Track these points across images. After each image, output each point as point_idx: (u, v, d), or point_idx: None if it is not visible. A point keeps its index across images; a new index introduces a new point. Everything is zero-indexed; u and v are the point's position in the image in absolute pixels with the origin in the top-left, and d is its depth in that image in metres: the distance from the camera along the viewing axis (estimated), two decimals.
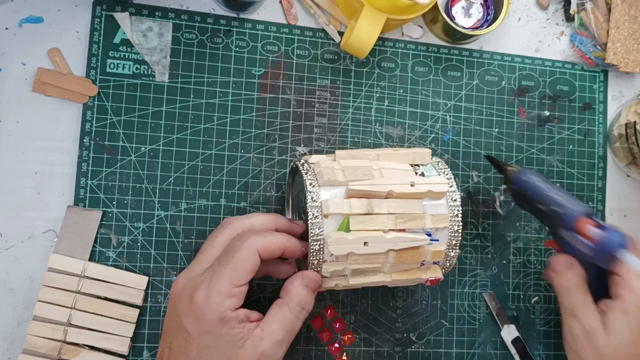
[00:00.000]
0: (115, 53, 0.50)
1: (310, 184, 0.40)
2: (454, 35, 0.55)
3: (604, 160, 0.60)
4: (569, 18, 0.60)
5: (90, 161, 0.49)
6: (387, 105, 0.55)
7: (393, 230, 0.40)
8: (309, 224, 0.39)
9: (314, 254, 0.40)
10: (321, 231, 0.39)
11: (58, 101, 0.49)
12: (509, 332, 0.55)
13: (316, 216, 0.39)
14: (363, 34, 0.49)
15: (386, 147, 0.54)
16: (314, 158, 0.43)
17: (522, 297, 0.57)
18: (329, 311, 0.52)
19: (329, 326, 0.52)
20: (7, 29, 0.48)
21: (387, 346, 0.53)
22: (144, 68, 0.50)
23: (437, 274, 0.44)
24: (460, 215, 0.42)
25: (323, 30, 0.54)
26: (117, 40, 0.50)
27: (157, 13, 0.51)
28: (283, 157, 0.52)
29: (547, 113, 0.59)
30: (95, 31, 0.49)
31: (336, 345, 0.52)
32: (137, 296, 0.48)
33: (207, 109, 0.51)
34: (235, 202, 0.51)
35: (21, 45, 0.48)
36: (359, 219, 0.40)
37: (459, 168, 0.56)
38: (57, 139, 0.49)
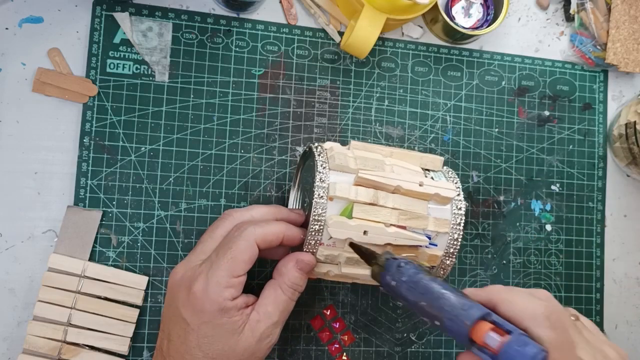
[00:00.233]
0: (115, 53, 0.50)
1: (322, 165, 0.41)
2: (454, 35, 0.55)
3: (604, 160, 0.60)
4: (569, 18, 0.60)
5: (90, 161, 0.49)
6: (387, 105, 0.55)
7: (394, 225, 0.40)
8: (313, 203, 0.39)
9: (313, 234, 0.40)
10: (324, 212, 0.39)
11: (58, 101, 0.49)
12: None
13: (321, 196, 0.40)
14: (363, 34, 0.49)
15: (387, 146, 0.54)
16: (328, 144, 0.43)
17: None
18: (329, 311, 0.52)
19: (329, 326, 0.52)
20: (7, 29, 0.48)
21: (387, 346, 0.53)
22: (144, 68, 0.50)
23: None
24: (462, 225, 0.42)
25: (323, 30, 0.54)
26: (117, 40, 0.50)
27: (157, 13, 0.51)
28: (283, 157, 0.52)
29: (547, 113, 0.59)
30: (95, 31, 0.49)
31: (336, 345, 0.52)
32: (137, 296, 0.48)
33: (207, 109, 0.51)
34: (235, 202, 0.51)
35: (21, 45, 0.48)
36: (362, 208, 0.40)
37: (459, 168, 0.56)
38: (57, 139, 0.49)
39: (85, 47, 0.49)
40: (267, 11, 0.53)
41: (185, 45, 0.51)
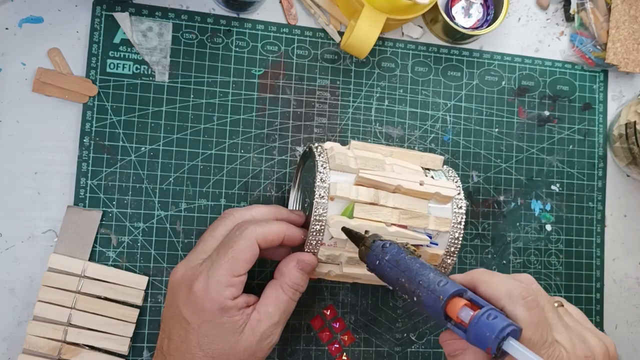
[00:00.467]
0: (115, 53, 0.50)
1: (322, 165, 0.41)
2: (454, 35, 0.55)
3: (604, 160, 0.60)
4: (569, 18, 0.60)
5: (90, 161, 0.49)
6: (387, 105, 0.55)
7: (395, 224, 0.40)
8: (314, 204, 0.39)
9: (314, 234, 0.40)
10: (324, 212, 0.40)
11: (58, 101, 0.49)
12: None
13: (322, 197, 0.40)
14: (363, 34, 0.49)
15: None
16: (328, 144, 0.43)
17: None
18: (329, 311, 0.52)
19: (329, 326, 0.52)
20: (7, 29, 0.48)
21: (387, 346, 0.53)
22: (144, 68, 0.50)
23: None
24: (463, 224, 0.42)
25: (323, 30, 0.54)
26: (117, 40, 0.50)
27: (157, 13, 0.51)
28: (283, 157, 0.52)
29: (547, 113, 0.59)
30: (95, 31, 0.49)
31: (336, 345, 0.52)
32: (137, 296, 0.48)
33: (207, 109, 0.51)
34: (235, 202, 0.51)
35: (21, 45, 0.48)
36: (363, 208, 0.40)
37: (459, 168, 0.56)
38: (57, 139, 0.49)
39: (85, 47, 0.49)
40: (267, 11, 0.53)
41: (185, 45, 0.51)
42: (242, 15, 0.53)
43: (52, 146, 0.49)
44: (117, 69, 0.50)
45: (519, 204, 0.57)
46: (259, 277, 0.51)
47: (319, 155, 0.42)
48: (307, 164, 0.47)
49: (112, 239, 0.49)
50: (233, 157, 0.51)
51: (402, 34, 0.56)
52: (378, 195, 0.41)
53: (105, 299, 0.47)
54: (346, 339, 0.52)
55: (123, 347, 0.47)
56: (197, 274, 0.39)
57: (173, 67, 0.51)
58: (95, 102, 0.49)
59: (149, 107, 0.50)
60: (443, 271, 0.44)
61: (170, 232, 0.50)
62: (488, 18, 0.56)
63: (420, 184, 0.42)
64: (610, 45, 0.58)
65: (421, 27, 0.57)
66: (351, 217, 0.40)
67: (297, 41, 0.54)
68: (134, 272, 0.49)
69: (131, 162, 0.50)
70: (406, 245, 0.37)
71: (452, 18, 0.56)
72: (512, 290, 0.33)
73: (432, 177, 0.44)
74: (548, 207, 0.58)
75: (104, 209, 0.49)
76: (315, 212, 0.39)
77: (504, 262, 0.57)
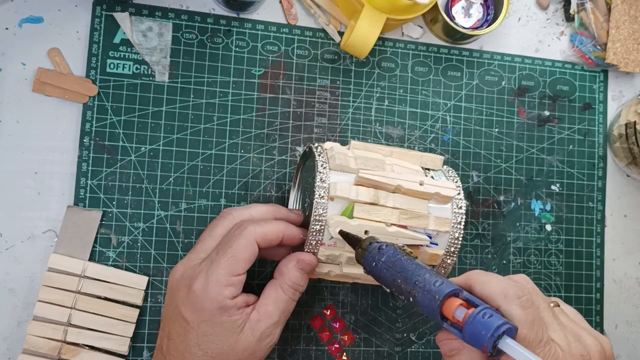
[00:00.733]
0: (115, 53, 0.50)
1: (322, 165, 0.41)
2: (454, 35, 0.55)
3: (604, 160, 0.60)
4: (569, 18, 0.60)
5: (90, 161, 0.49)
6: (387, 105, 0.55)
7: (395, 224, 0.40)
8: (314, 204, 0.39)
9: (314, 234, 0.40)
10: (324, 212, 0.39)
11: (58, 101, 0.49)
12: None
13: (322, 197, 0.40)
14: (363, 34, 0.49)
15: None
16: (328, 144, 0.43)
17: None
18: (329, 311, 0.52)
19: (329, 326, 0.52)
20: (7, 29, 0.48)
21: (387, 346, 0.53)
22: (144, 68, 0.50)
23: None
24: (463, 224, 0.42)
25: (323, 30, 0.54)
26: (117, 40, 0.50)
27: (157, 13, 0.51)
28: (283, 157, 0.52)
29: (547, 113, 0.59)
30: (95, 31, 0.49)
31: (336, 345, 0.52)
32: (137, 296, 0.48)
33: (207, 109, 0.51)
34: (235, 202, 0.51)
35: (21, 45, 0.48)
36: (363, 208, 0.40)
37: (459, 168, 0.56)
38: (57, 139, 0.49)
39: (85, 47, 0.49)
40: (267, 11, 0.53)
41: (185, 45, 0.51)
42: (242, 15, 0.53)
43: (52, 146, 0.49)
44: (117, 69, 0.50)
45: (519, 204, 0.57)
46: (259, 277, 0.51)
47: (319, 155, 0.42)
48: (307, 164, 0.47)
49: (112, 239, 0.49)
50: (233, 157, 0.51)
51: (402, 34, 0.56)
52: (378, 195, 0.41)
53: (105, 299, 0.47)
54: (346, 339, 0.52)
55: (123, 347, 0.47)
56: (197, 273, 0.39)
57: (173, 67, 0.51)
58: (95, 102, 0.49)
59: (149, 107, 0.50)
60: (443, 271, 0.44)
61: (170, 232, 0.50)
62: (488, 18, 0.56)
63: (420, 184, 0.42)
64: (610, 45, 0.58)
65: (421, 27, 0.57)
66: (351, 217, 0.40)
67: (297, 41, 0.54)
68: (134, 272, 0.49)
69: (131, 162, 0.50)
70: (402, 247, 0.38)
71: (452, 18, 0.56)
72: (507, 289, 0.33)
73: (432, 177, 0.44)
74: (548, 207, 0.58)
75: (104, 209, 0.49)
76: (315, 212, 0.39)
77: (504, 262, 0.57)
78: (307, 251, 0.41)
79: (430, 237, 0.42)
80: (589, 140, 0.60)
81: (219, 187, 0.51)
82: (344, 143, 0.53)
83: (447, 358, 0.35)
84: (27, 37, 0.49)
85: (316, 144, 0.44)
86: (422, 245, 0.42)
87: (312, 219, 0.39)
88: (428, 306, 0.32)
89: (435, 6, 0.53)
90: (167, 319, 0.41)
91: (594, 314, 0.58)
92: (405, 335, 0.54)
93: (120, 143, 0.49)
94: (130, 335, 0.47)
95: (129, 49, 0.50)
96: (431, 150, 0.56)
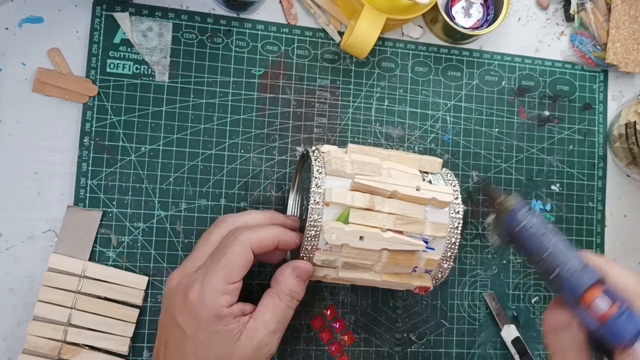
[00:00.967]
0: (115, 53, 0.50)
1: (318, 170, 0.41)
2: (454, 35, 0.55)
3: (604, 160, 0.60)
4: (569, 18, 0.60)
5: (90, 161, 0.49)
6: (387, 105, 0.55)
7: (391, 230, 0.40)
8: (309, 209, 0.39)
9: (309, 239, 0.40)
10: (320, 217, 0.39)
11: (58, 101, 0.49)
12: (509, 332, 0.55)
13: (317, 202, 0.39)
14: (363, 34, 0.49)
15: (386, 147, 0.54)
16: (325, 147, 0.43)
17: (522, 297, 0.57)
18: (329, 311, 0.52)
19: (329, 326, 0.52)
20: (7, 29, 0.48)
21: (387, 346, 0.53)
22: (144, 68, 0.50)
23: (427, 283, 0.43)
24: (460, 228, 0.42)
25: (323, 30, 0.54)
26: (117, 40, 0.50)
27: (157, 13, 0.51)
28: (283, 157, 0.52)
29: (547, 113, 0.59)
30: (95, 31, 0.49)
31: (336, 345, 0.52)
32: (137, 296, 0.48)
33: (207, 109, 0.51)
34: (235, 202, 0.51)
35: (21, 45, 0.48)
36: (359, 213, 0.40)
37: (459, 168, 0.56)
38: (57, 139, 0.49)
39: (85, 47, 0.49)
40: (267, 11, 0.53)
41: (185, 45, 0.51)
42: (242, 15, 0.53)
43: (52, 146, 0.49)
44: (117, 69, 0.50)
45: None
46: (259, 277, 0.51)
47: (315, 160, 0.41)
48: (306, 165, 0.47)
49: (112, 239, 0.49)
50: (233, 157, 0.51)
51: (402, 34, 0.56)
52: (374, 201, 0.40)
53: (105, 299, 0.47)
54: (346, 339, 0.52)
55: (123, 347, 0.47)
56: (192, 281, 0.39)
57: (173, 67, 0.51)
58: (95, 102, 0.49)
59: (149, 107, 0.50)
60: (439, 276, 0.44)
61: (170, 232, 0.50)
62: (488, 18, 0.57)
63: (417, 190, 0.41)
64: (610, 45, 0.58)
65: (421, 27, 0.57)
66: (347, 222, 0.40)
67: (297, 41, 0.54)
68: (134, 272, 0.49)
69: (131, 162, 0.50)
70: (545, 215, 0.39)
71: (452, 18, 0.56)
72: None
73: (429, 181, 0.43)
74: (548, 207, 0.58)
75: (104, 209, 0.49)
76: (310, 217, 0.39)
77: (504, 262, 0.57)
78: (302, 256, 0.41)
79: (426, 242, 0.41)
80: (589, 140, 0.60)
81: (219, 187, 0.51)
82: (343, 143, 0.53)
83: (549, 335, 0.38)
84: (27, 37, 0.49)
85: (313, 148, 0.44)
86: (418, 251, 0.41)
87: (307, 224, 0.39)
88: (569, 288, 0.35)
89: (435, 6, 0.53)
90: (164, 326, 0.41)
91: None
92: (405, 335, 0.54)
93: (120, 143, 0.49)
94: (130, 335, 0.47)
95: (129, 49, 0.50)
96: (431, 150, 0.56)
